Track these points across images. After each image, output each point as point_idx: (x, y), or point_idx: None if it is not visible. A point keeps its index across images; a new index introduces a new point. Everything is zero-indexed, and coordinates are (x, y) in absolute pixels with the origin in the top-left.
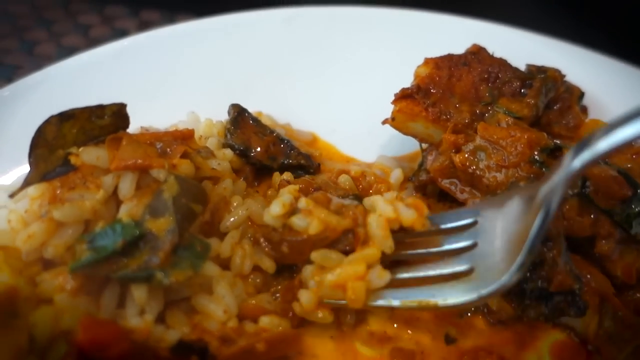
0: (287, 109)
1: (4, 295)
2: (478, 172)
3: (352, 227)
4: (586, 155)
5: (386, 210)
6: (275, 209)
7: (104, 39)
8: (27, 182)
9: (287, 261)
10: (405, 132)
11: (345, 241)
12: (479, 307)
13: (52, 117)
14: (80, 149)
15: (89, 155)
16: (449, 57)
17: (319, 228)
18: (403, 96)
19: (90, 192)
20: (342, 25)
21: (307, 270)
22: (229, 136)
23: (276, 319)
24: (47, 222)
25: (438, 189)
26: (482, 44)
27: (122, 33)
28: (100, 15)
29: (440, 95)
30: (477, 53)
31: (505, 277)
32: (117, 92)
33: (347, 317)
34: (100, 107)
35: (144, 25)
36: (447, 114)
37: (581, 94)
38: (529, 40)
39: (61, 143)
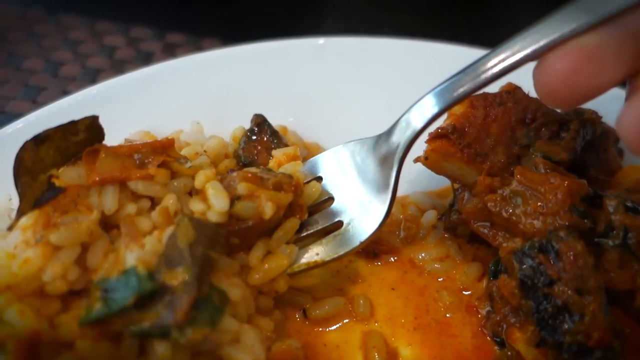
0: (314, 128)
1: (27, 341)
2: (514, 217)
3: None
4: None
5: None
6: (221, 203)
7: (129, 61)
8: (20, 212)
9: (236, 252)
10: (438, 172)
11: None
12: (512, 357)
13: (26, 142)
14: (60, 170)
15: (69, 175)
16: (484, 96)
17: (274, 209)
18: (438, 136)
19: (82, 213)
20: (372, 56)
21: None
22: (241, 145)
23: None
24: (43, 246)
25: (469, 230)
26: (513, 81)
27: (147, 55)
28: (126, 37)
29: (475, 136)
30: (513, 92)
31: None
32: (144, 117)
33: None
34: (73, 123)
35: (169, 48)
36: (482, 155)
37: (618, 137)
38: None
39: (41, 167)
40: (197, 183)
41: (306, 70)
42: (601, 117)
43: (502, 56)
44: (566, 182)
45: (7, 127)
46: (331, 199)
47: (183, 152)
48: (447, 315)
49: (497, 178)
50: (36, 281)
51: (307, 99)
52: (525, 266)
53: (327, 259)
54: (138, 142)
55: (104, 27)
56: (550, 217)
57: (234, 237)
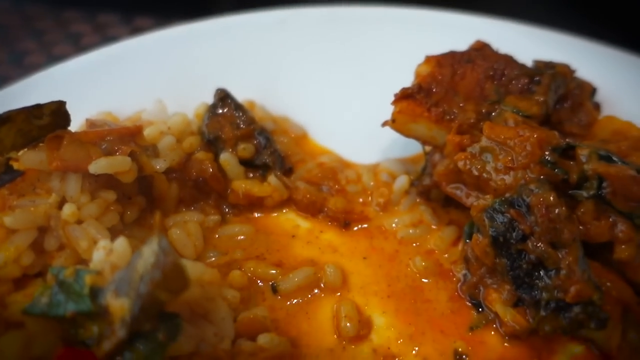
0: (283, 102)
1: None
2: (485, 174)
3: None
4: None
5: None
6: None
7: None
8: None
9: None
10: (407, 135)
11: None
12: (490, 320)
13: None
14: (20, 153)
15: (30, 159)
16: (452, 55)
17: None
18: (404, 96)
19: (40, 197)
20: (339, 25)
21: None
22: (205, 121)
23: (275, 337)
24: None
25: (443, 194)
26: (486, 40)
27: (113, 41)
28: (92, 24)
29: (443, 95)
30: (481, 49)
31: None
32: (106, 96)
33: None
34: (38, 107)
35: (137, 33)
36: (451, 114)
37: (593, 90)
38: (534, 36)
39: (0, 149)
40: None
41: (271, 42)
42: (574, 71)
43: None
44: (536, 134)
45: None
46: None
47: (146, 132)
48: (422, 280)
49: (466, 136)
50: None
51: (274, 72)
52: (496, 223)
53: None
54: (104, 128)
55: (70, 16)
56: (520, 171)
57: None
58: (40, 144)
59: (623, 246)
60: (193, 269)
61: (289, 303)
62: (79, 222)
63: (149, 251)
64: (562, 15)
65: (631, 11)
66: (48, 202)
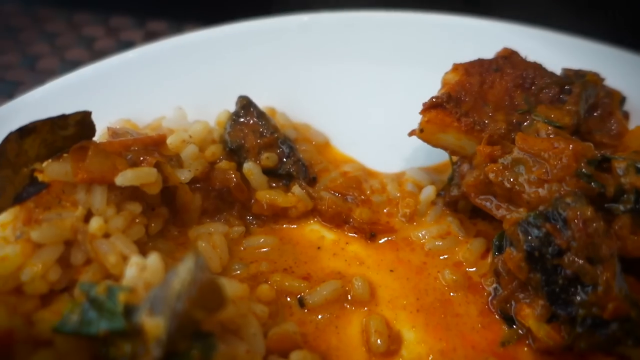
0: (305, 109)
1: None
2: (517, 187)
3: None
4: None
5: None
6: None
7: (109, 52)
8: None
9: None
10: (435, 144)
11: None
12: (522, 335)
13: (10, 134)
14: (44, 164)
15: (55, 170)
16: (480, 62)
17: None
18: (432, 105)
19: (67, 210)
20: (361, 31)
21: None
22: (227, 129)
23: (308, 354)
24: (23, 243)
25: (471, 205)
26: (512, 47)
27: (127, 45)
28: (105, 27)
29: (472, 104)
30: (509, 57)
31: None
32: (125, 103)
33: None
34: (63, 117)
35: (150, 36)
36: (481, 124)
37: (622, 99)
38: (560, 43)
39: (24, 160)
40: None
41: (292, 48)
42: (603, 79)
43: None
44: (571, 146)
45: None
46: None
47: (169, 141)
48: (451, 294)
49: (497, 147)
50: (14, 280)
51: (295, 78)
52: (531, 237)
53: None
54: (127, 138)
55: (82, 18)
56: (555, 184)
57: None
58: (65, 155)
59: None
60: (228, 286)
61: (318, 317)
62: (106, 235)
63: (185, 269)
64: (587, 21)
65: None
66: (75, 216)
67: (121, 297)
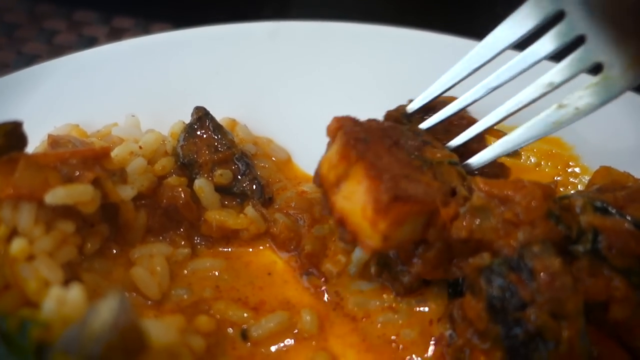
0: (268, 122)
1: None
2: (487, 237)
3: None
4: None
5: None
6: None
7: (69, 47)
8: None
9: None
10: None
11: None
12: None
13: None
14: None
15: None
16: (345, 148)
17: None
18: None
19: None
20: (332, 42)
21: None
22: (180, 141)
23: None
24: None
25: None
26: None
27: (90, 41)
28: (68, 21)
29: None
30: (352, 128)
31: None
32: (77, 104)
33: None
34: None
35: (115, 33)
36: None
37: None
38: None
39: None
40: None
41: (258, 57)
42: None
43: None
44: (538, 186)
45: None
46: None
47: (115, 152)
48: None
49: (452, 203)
50: None
51: (259, 89)
52: (494, 286)
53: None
54: (67, 148)
55: (44, 9)
56: (527, 226)
57: None
58: None
59: (618, 306)
60: (154, 328)
61: (262, 351)
62: (30, 257)
63: (108, 309)
64: None
65: None
66: None
67: (34, 334)
